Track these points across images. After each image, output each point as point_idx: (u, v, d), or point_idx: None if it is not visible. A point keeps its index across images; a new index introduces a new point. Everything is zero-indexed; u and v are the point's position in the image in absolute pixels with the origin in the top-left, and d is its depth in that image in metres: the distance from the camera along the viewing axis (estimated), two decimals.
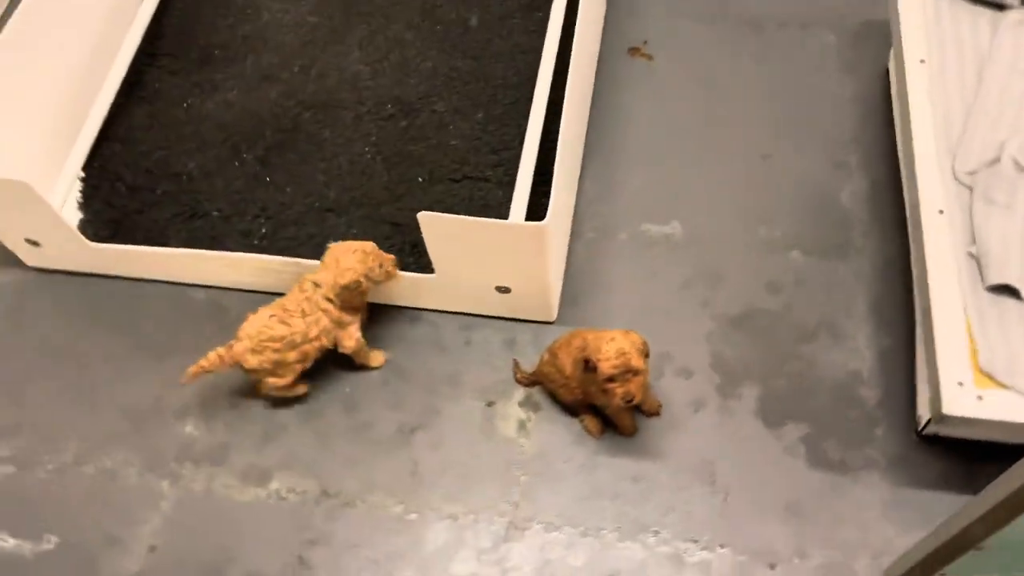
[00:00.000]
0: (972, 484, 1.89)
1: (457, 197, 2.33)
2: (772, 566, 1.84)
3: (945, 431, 1.84)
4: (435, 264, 2.02)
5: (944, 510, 1.87)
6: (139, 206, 2.37)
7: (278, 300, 2.02)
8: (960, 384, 1.63)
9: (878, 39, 2.58)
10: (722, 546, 1.87)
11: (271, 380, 2.02)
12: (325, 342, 2.02)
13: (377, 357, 2.13)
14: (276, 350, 1.96)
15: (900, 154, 2.22)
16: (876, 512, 1.89)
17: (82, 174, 2.39)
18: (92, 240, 2.21)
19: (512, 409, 2.07)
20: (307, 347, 1.99)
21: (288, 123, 2.52)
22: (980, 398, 1.62)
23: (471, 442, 2.03)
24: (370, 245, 2.01)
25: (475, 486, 1.97)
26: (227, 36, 2.71)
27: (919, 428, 1.92)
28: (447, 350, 2.16)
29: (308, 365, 2.03)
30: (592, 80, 2.57)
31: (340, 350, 2.05)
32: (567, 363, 1.90)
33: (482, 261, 1.95)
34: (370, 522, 1.95)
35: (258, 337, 1.96)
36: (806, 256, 2.23)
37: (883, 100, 2.46)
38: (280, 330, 1.96)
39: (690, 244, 2.27)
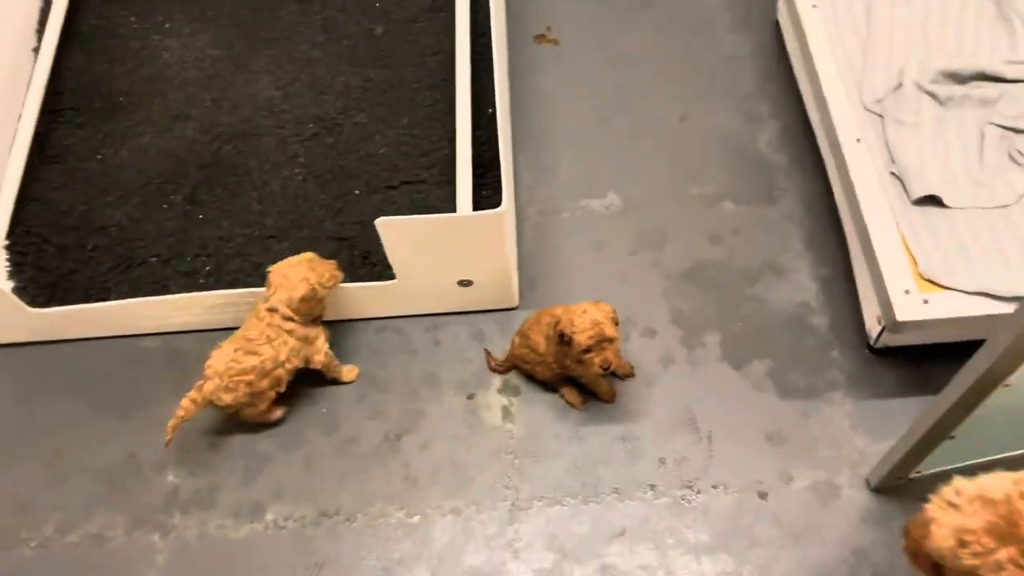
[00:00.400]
0: (926, 386, 2.04)
1: (397, 204, 2.36)
2: (763, 495, 1.95)
3: (897, 340, 1.98)
4: (395, 268, 2.04)
5: (906, 414, 2.01)
6: (72, 265, 2.29)
7: (238, 332, 2.00)
8: (907, 292, 1.77)
9: None
10: (715, 486, 1.96)
11: (247, 411, 2.00)
12: (296, 362, 2.01)
13: (350, 371, 2.14)
14: (249, 383, 1.95)
15: (806, 97, 2.37)
16: (846, 427, 2.02)
17: (6, 242, 2.30)
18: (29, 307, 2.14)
19: (493, 397, 2.11)
20: (279, 371, 1.98)
21: (210, 158, 2.48)
22: (926, 302, 1.76)
23: (459, 437, 2.06)
24: (310, 254, 2.03)
25: (471, 478, 2.01)
26: (129, 82, 2.65)
27: (871, 343, 2.06)
28: (418, 353, 2.18)
29: (283, 389, 2.03)
30: (507, 71, 2.63)
31: (312, 366, 2.05)
32: (540, 341, 1.96)
33: (443, 258, 1.99)
34: (374, 533, 1.96)
35: (228, 373, 1.93)
36: (738, 205, 2.35)
37: (778, 50, 2.60)
38: (250, 361, 1.94)
39: (630, 212, 2.36)
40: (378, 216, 2.30)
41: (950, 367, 2.04)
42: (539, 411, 2.08)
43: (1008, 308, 1.73)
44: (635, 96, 2.58)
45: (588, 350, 1.82)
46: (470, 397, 2.11)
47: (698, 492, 1.96)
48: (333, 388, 2.14)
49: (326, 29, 2.74)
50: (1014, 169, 1.88)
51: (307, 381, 2.11)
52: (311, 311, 2.00)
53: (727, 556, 1.87)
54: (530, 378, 2.10)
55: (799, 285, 2.21)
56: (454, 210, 2.15)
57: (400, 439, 2.07)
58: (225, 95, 2.61)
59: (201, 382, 1.95)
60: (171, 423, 1.93)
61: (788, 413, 2.04)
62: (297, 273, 1.97)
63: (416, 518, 1.97)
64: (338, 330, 2.21)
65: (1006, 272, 1.76)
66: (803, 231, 2.29)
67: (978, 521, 1.19)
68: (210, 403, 1.95)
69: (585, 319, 1.80)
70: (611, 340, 1.82)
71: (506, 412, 2.09)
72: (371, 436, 2.08)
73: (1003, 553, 1.16)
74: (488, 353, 2.15)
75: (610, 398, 2.06)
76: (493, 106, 2.49)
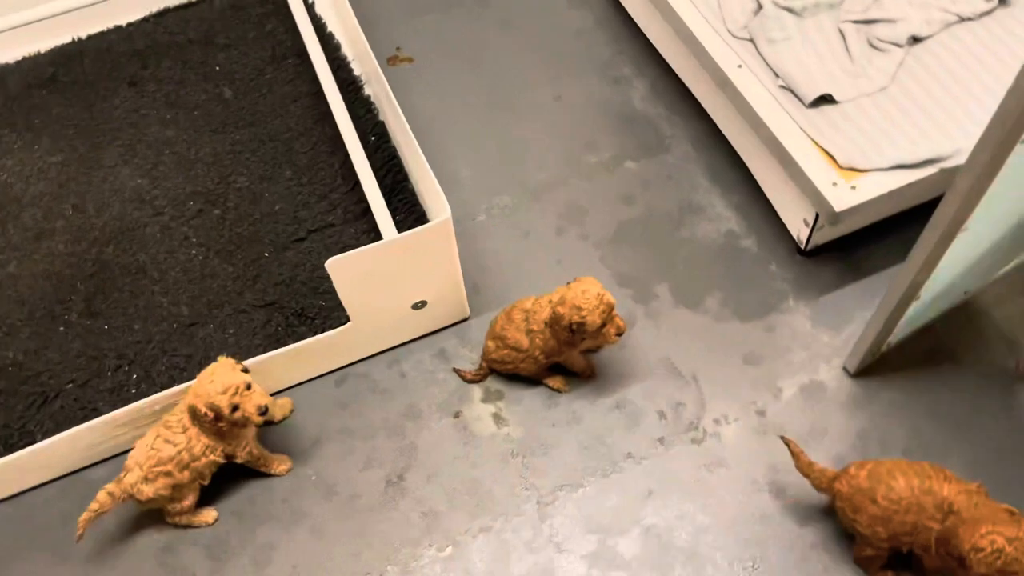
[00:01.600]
0: (861, 271, 2.19)
1: (312, 253, 2.27)
2: (762, 413, 2.02)
3: (828, 236, 2.12)
4: (349, 309, 1.96)
5: (853, 301, 2.16)
6: None
7: (165, 417, 1.87)
8: (835, 185, 1.90)
9: None
10: (716, 420, 2.02)
11: (172, 507, 1.86)
12: (215, 457, 1.85)
13: (281, 463, 1.98)
14: (168, 473, 1.80)
15: (666, 46, 2.49)
16: (808, 328, 2.13)
17: None
18: None
19: (479, 408, 2.07)
20: (198, 464, 1.83)
21: (92, 266, 2.29)
22: (854, 188, 1.90)
23: (461, 456, 2.00)
24: (235, 384, 1.75)
25: (488, 491, 1.96)
26: None
27: (801, 248, 2.19)
28: (388, 391, 2.10)
29: (206, 482, 1.88)
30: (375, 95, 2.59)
31: (236, 461, 1.90)
32: (520, 338, 1.94)
33: (395, 284, 1.93)
34: None
35: (148, 463, 1.79)
36: (637, 162, 2.44)
37: (620, 15, 2.73)
38: (167, 451, 1.80)
39: (542, 196, 2.39)
40: (296, 272, 2.24)
41: (873, 248, 2.23)
42: (529, 406, 2.06)
43: (920, 172, 1.91)
44: (505, 89, 2.62)
45: (603, 324, 1.82)
46: (457, 416, 2.06)
47: (704, 431, 2.01)
48: (314, 451, 2.03)
49: (171, 105, 2.60)
50: (878, 55, 2.07)
51: (283, 452, 1.99)
52: (200, 426, 1.81)
53: (750, 478, 1.93)
54: (510, 378, 2.08)
55: (719, 217, 2.32)
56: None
57: (403, 479, 1.98)
58: (86, 199, 2.42)
59: (122, 474, 1.82)
60: (83, 516, 1.78)
61: (754, 333, 2.13)
62: (204, 386, 1.76)
63: (449, 549, 1.89)
64: (296, 396, 2.10)
65: (908, 142, 1.93)
66: (703, 168, 2.41)
67: None
68: (131, 497, 1.81)
69: (590, 297, 1.80)
70: (613, 306, 1.83)
71: (497, 418, 2.05)
72: (372, 486, 1.98)
73: None
74: (457, 370, 2.11)
75: (592, 373, 2.08)
76: (375, 135, 2.46)
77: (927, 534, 1.61)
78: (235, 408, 1.77)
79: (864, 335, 1.92)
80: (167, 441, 1.81)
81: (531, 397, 2.08)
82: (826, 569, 1.81)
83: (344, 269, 1.82)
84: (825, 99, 2.02)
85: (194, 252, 2.31)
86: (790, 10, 2.13)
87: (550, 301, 1.90)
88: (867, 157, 1.91)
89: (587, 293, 1.79)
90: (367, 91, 2.57)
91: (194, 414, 1.79)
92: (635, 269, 2.25)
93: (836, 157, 1.93)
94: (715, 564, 1.84)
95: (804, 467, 1.78)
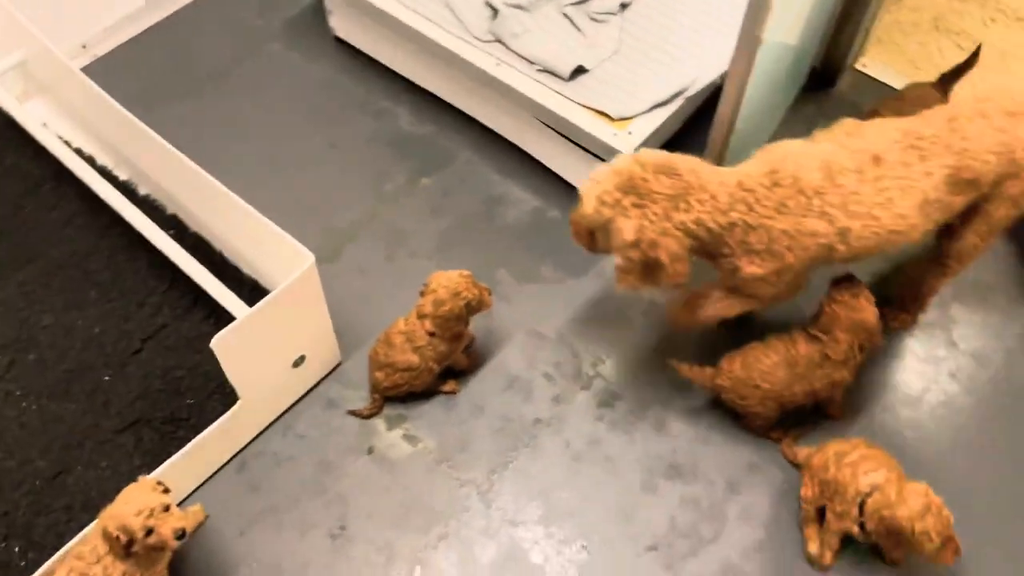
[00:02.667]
0: None
1: (157, 359, 2.19)
2: (625, 342, 2.28)
3: None
4: (237, 387, 1.93)
5: None
6: None
7: (76, 547, 1.76)
8: (615, 135, 2.23)
9: (306, 22, 2.99)
10: (593, 364, 2.25)
11: None
12: None
13: None
14: None
15: (420, 70, 2.70)
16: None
17: None
18: None
19: (389, 437, 2.13)
20: None
21: None
22: (631, 133, 2.23)
23: (390, 485, 2.05)
24: (150, 505, 1.67)
25: (430, 505, 2.03)
26: None
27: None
28: (293, 456, 2.10)
29: None
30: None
31: None
32: (410, 358, 2.03)
33: (275, 345, 1.95)
34: None
35: None
36: (431, 177, 2.62)
37: (356, 59, 2.89)
38: None
39: (359, 233, 2.49)
40: (149, 383, 2.16)
41: None
42: (433, 417, 2.16)
43: (673, 106, 2.29)
44: (279, 151, 2.67)
45: (480, 292, 2.02)
46: (370, 451, 2.11)
47: (587, 376, 2.23)
48: (244, 542, 1.98)
49: None
50: (601, 26, 2.44)
51: (209, 557, 1.91)
52: (113, 551, 1.72)
53: (639, 399, 2.18)
54: (404, 399, 2.15)
55: (520, 200, 2.56)
56: (216, 330, 1.86)
57: (345, 528, 2.00)
58: None
59: None
60: None
61: (591, 283, 2.39)
62: (122, 508, 1.68)
63: (418, 569, 1.94)
64: (201, 499, 2.02)
65: (654, 85, 2.31)
66: (490, 165, 2.64)
67: (610, 184, 1.72)
68: None
69: (455, 279, 1.98)
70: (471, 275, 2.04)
71: (408, 438, 2.13)
72: (317, 548, 1.97)
73: (626, 200, 1.71)
74: (353, 411, 2.15)
75: (472, 366, 2.22)
76: (171, 228, 2.41)
77: (813, 393, 1.96)
78: (149, 532, 1.69)
79: None
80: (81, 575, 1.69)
81: (431, 408, 2.17)
82: (726, 442, 2.11)
83: (229, 345, 1.80)
84: (579, 70, 2.34)
85: (24, 404, 2.13)
86: (520, 7, 2.44)
87: (420, 315, 2.03)
88: (630, 106, 2.25)
89: (450, 279, 1.98)
90: (142, 191, 2.51)
91: (106, 537, 1.69)
92: (471, 266, 2.38)
93: (608, 112, 2.25)
94: (641, 476, 2.06)
95: (686, 373, 2.07)
